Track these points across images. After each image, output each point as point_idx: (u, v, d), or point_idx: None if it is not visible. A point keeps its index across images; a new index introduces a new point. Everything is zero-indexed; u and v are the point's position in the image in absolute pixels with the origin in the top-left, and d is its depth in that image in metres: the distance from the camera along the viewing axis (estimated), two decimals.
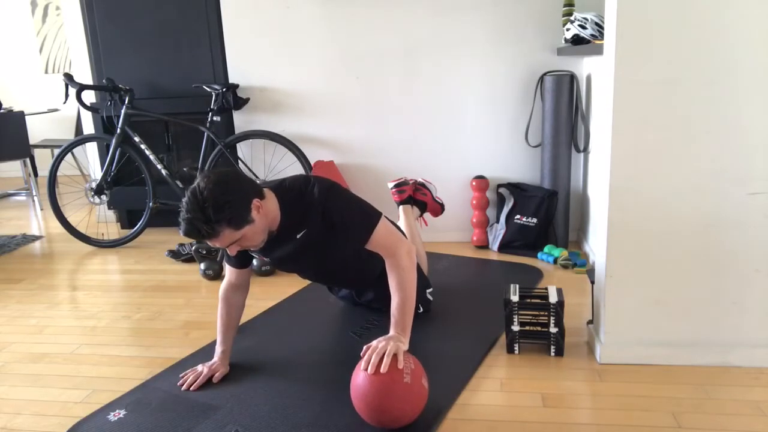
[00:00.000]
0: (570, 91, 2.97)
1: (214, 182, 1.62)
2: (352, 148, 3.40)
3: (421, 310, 2.31)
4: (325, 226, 1.83)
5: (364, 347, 1.68)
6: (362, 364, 1.61)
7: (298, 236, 1.84)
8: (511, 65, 3.16)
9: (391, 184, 2.65)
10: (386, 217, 1.94)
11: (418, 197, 2.68)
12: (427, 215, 2.78)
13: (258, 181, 1.89)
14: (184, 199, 1.62)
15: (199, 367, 1.94)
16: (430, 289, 2.38)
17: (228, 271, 2.01)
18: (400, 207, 2.62)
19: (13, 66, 6.02)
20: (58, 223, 3.74)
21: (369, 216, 1.86)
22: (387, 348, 1.61)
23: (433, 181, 3.32)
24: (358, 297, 2.39)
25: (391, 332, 1.73)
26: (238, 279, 2.01)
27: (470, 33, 3.15)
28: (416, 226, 2.60)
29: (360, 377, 1.60)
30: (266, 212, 1.74)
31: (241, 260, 1.98)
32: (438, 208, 2.74)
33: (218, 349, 1.99)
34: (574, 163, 3.17)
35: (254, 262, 2.93)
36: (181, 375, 1.94)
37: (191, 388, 1.87)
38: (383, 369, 1.56)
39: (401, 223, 2.57)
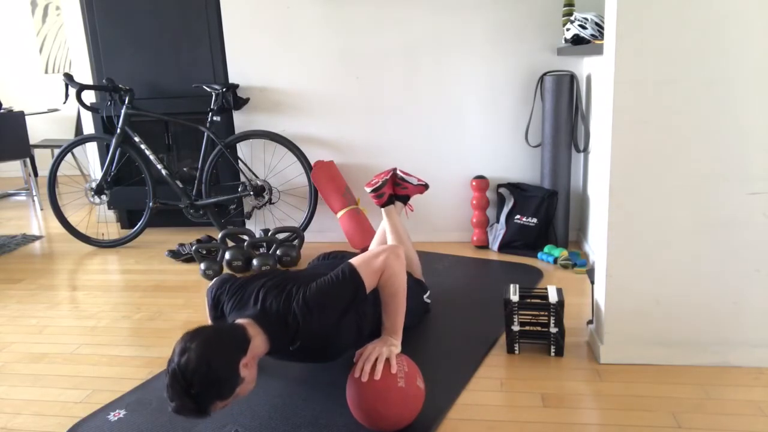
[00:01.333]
0: (570, 91, 2.97)
1: (196, 360, 1.41)
2: (352, 148, 3.40)
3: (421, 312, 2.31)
4: (321, 326, 1.70)
5: (356, 353, 1.67)
6: (355, 371, 1.61)
7: (292, 348, 1.71)
8: (511, 65, 3.16)
9: (368, 189, 2.48)
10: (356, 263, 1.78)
11: (398, 192, 2.52)
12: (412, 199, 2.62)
13: (240, 306, 1.75)
14: (167, 382, 1.43)
15: None
16: (427, 293, 2.36)
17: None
18: (383, 209, 2.48)
19: (13, 66, 6.02)
20: (58, 223, 3.74)
21: (350, 276, 1.73)
22: (379, 353, 1.61)
23: (433, 181, 3.33)
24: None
25: (383, 335, 1.73)
26: None
27: (470, 33, 3.15)
28: (402, 226, 2.47)
29: (354, 386, 1.59)
30: (255, 354, 1.59)
31: None
32: (422, 189, 2.56)
33: None
34: (574, 163, 3.17)
35: (254, 261, 2.94)
36: None
37: None
38: (376, 375, 1.56)
39: (385, 225, 2.47)
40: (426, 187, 2.55)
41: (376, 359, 1.60)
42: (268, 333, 1.64)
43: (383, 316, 1.78)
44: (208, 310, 1.87)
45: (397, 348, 1.67)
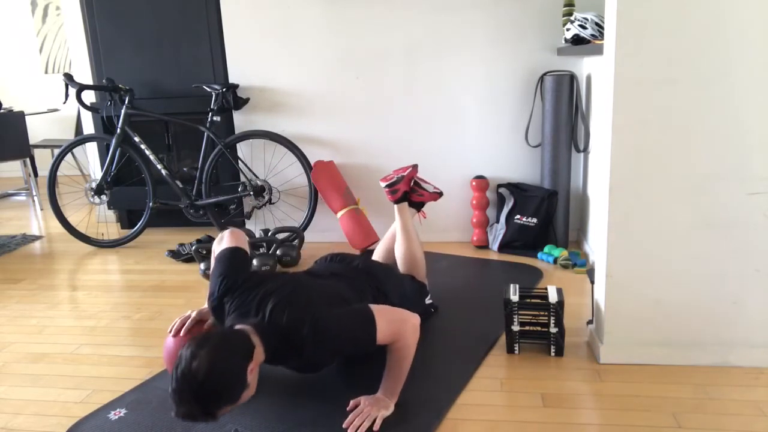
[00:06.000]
0: (570, 91, 2.97)
1: (208, 368, 1.42)
2: (352, 148, 3.40)
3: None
4: (321, 355, 1.70)
5: (351, 402, 1.72)
6: (345, 422, 1.66)
7: (289, 361, 1.74)
8: (511, 65, 3.16)
9: (383, 184, 2.43)
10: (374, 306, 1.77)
11: (414, 199, 2.49)
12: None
13: (237, 317, 1.72)
14: (175, 385, 1.42)
15: (188, 312, 1.89)
16: (429, 296, 2.36)
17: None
18: (396, 206, 2.42)
19: (13, 66, 6.02)
20: (58, 223, 3.74)
21: (366, 326, 1.70)
22: (368, 415, 1.66)
23: (433, 182, 3.33)
24: None
25: (380, 393, 1.74)
26: None
27: (470, 33, 3.15)
28: (413, 226, 2.42)
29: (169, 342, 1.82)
30: (257, 361, 1.60)
31: None
32: (436, 197, 2.53)
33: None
34: (574, 163, 3.17)
35: (254, 261, 2.94)
36: (169, 329, 1.88)
37: (181, 333, 1.82)
38: None
39: (396, 223, 2.41)
40: (440, 194, 2.51)
41: (367, 418, 1.66)
42: (267, 346, 1.63)
43: (385, 375, 1.77)
44: (210, 295, 1.82)
45: (388, 411, 1.71)
